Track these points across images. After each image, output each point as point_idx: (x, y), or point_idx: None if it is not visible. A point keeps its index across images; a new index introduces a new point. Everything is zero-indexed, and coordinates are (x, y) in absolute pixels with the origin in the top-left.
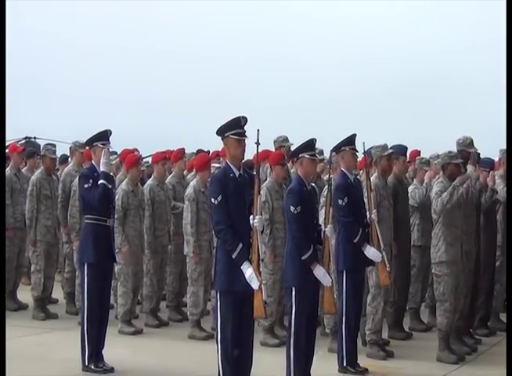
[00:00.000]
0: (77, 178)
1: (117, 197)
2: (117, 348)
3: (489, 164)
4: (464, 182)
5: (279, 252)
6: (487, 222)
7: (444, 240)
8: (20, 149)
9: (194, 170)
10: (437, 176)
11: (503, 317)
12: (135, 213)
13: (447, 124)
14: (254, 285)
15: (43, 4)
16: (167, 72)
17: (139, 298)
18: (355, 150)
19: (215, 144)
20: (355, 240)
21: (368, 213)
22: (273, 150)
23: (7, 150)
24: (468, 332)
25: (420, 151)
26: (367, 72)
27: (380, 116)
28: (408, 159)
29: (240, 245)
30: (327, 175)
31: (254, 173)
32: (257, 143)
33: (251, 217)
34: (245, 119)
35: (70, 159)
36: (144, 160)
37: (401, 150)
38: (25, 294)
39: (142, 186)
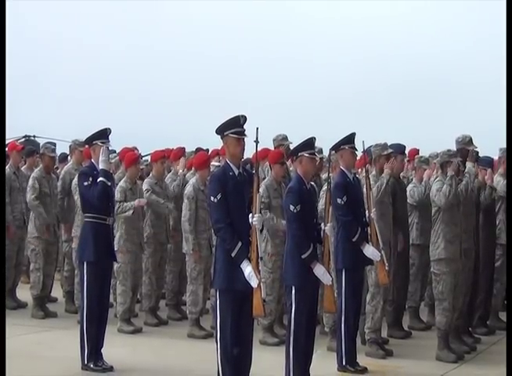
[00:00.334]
0: (76, 177)
1: (116, 195)
2: (116, 346)
3: (488, 163)
4: (457, 170)
5: (279, 250)
6: (486, 221)
7: (443, 237)
8: (20, 147)
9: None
10: (434, 174)
11: (503, 316)
12: (134, 211)
13: (447, 124)
14: (253, 283)
15: (43, 4)
16: (166, 71)
17: (138, 296)
18: (354, 148)
19: (215, 143)
20: (354, 239)
21: (367, 212)
22: (272, 148)
23: (6, 149)
24: (467, 331)
25: (418, 150)
26: (367, 71)
27: (379, 115)
28: (407, 158)
29: (239, 244)
30: (326, 174)
31: (254, 172)
32: (256, 141)
33: (250, 215)
34: (244, 118)
35: (69, 157)
36: (143, 158)
37: (399, 148)
38: (24, 292)
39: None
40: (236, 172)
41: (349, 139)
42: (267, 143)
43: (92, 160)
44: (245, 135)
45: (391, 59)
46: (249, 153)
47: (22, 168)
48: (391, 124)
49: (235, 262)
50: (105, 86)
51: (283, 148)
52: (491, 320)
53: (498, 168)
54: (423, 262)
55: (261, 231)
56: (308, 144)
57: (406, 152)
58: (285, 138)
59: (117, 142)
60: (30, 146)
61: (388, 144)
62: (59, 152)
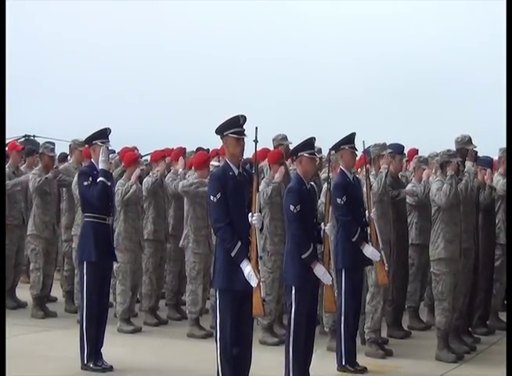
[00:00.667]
0: (76, 176)
1: (116, 193)
2: (115, 346)
3: (488, 163)
4: (457, 169)
5: (278, 249)
6: (486, 221)
7: (443, 237)
8: (20, 147)
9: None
10: (433, 174)
11: (502, 316)
12: (133, 209)
13: (447, 124)
14: (253, 283)
15: (43, 4)
16: (166, 71)
17: (138, 296)
18: (354, 148)
19: (215, 142)
20: (354, 239)
21: (367, 212)
22: (272, 148)
23: (6, 148)
24: (467, 331)
25: (417, 150)
26: (367, 71)
27: (379, 115)
28: (406, 158)
29: (239, 243)
30: (326, 174)
31: (253, 171)
32: (256, 141)
33: (250, 215)
34: (244, 118)
35: (69, 157)
36: (143, 158)
37: (397, 148)
38: (24, 292)
39: (141, 183)
40: (236, 172)
41: (349, 139)
42: (267, 143)
43: (92, 159)
44: (244, 135)
45: (390, 59)
46: (248, 152)
47: (21, 168)
48: (391, 124)
49: (234, 262)
50: (105, 86)
51: (282, 148)
52: (490, 320)
53: (498, 167)
54: (423, 262)
55: (261, 230)
56: (308, 144)
57: (405, 152)
58: (284, 138)
59: (116, 142)
60: (29, 146)
61: (387, 144)
62: (58, 152)
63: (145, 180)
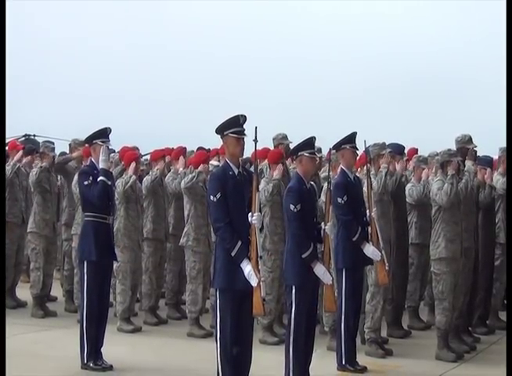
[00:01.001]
0: (76, 175)
1: (116, 190)
2: (115, 345)
3: (488, 162)
4: (457, 169)
5: (278, 248)
6: (486, 220)
7: (444, 236)
8: (20, 147)
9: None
10: (432, 174)
11: (502, 316)
12: (133, 208)
13: (447, 123)
14: (253, 282)
15: (43, 4)
16: (166, 71)
17: (138, 295)
18: (355, 148)
19: (215, 142)
20: (354, 239)
21: (367, 211)
22: (272, 147)
23: (7, 148)
24: (467, 330)
25: (417, 149)
26: (367, 71)
27: (380, 115)
28: (406, 157)
29: (239, 243)
30: (325, 173)
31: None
32: (255, 141)
33: (250, 214)
34: (244, 117)
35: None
36: (143, 158)
37: (397, 148)
38: (24, 291)
39: (140, 182)
40: (236, 172)
41: (350, 139)
42: (267, 143)
43: (92, 159)
44: (244, 134)
45: (390, 59)
46: (248, 152)
47: (21, 166)
48: (391, 123)
49: (235, 262)
50: (105, 86)
51: (282, 147)
52: (490, 320)
53: (498, 167)
54: (423, 262)
55: (261, 230)
56: (308, 143)
57: (405, 151)
58: (284, 137)
59: (117, 142)
60: (30, 145)
61: (387, 144)
62: (59, 151)
63: (144, 179)
